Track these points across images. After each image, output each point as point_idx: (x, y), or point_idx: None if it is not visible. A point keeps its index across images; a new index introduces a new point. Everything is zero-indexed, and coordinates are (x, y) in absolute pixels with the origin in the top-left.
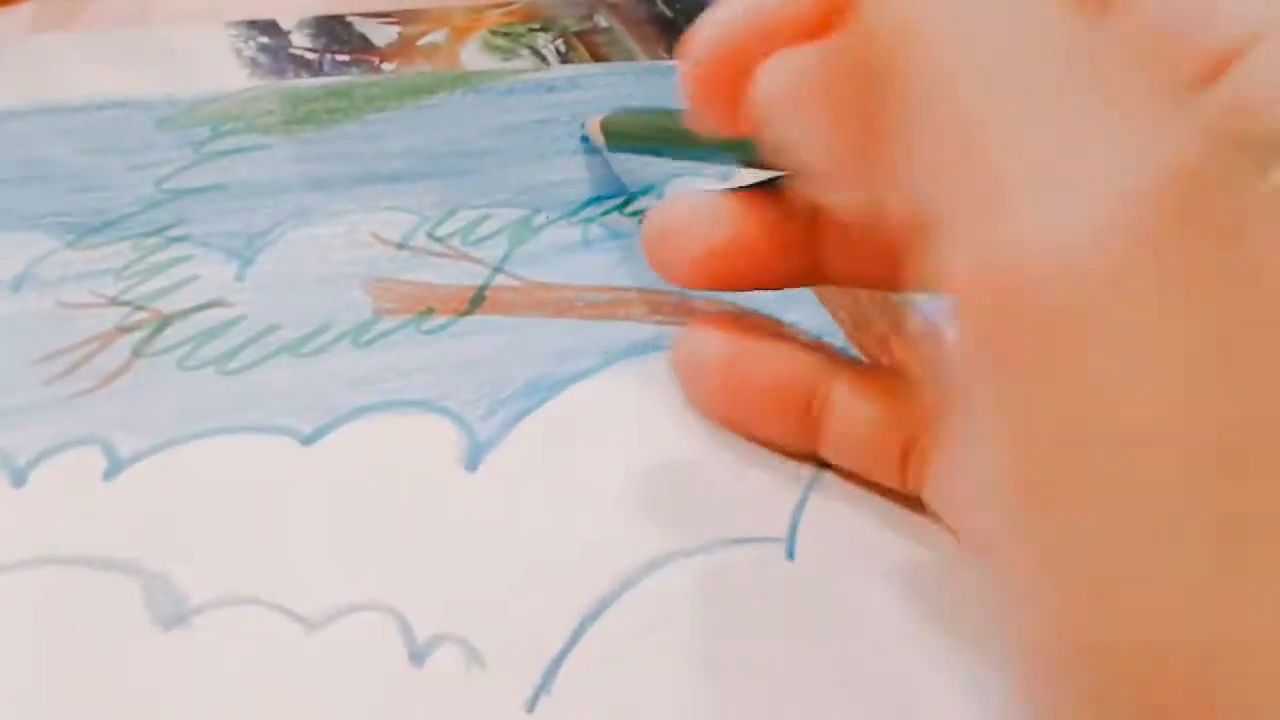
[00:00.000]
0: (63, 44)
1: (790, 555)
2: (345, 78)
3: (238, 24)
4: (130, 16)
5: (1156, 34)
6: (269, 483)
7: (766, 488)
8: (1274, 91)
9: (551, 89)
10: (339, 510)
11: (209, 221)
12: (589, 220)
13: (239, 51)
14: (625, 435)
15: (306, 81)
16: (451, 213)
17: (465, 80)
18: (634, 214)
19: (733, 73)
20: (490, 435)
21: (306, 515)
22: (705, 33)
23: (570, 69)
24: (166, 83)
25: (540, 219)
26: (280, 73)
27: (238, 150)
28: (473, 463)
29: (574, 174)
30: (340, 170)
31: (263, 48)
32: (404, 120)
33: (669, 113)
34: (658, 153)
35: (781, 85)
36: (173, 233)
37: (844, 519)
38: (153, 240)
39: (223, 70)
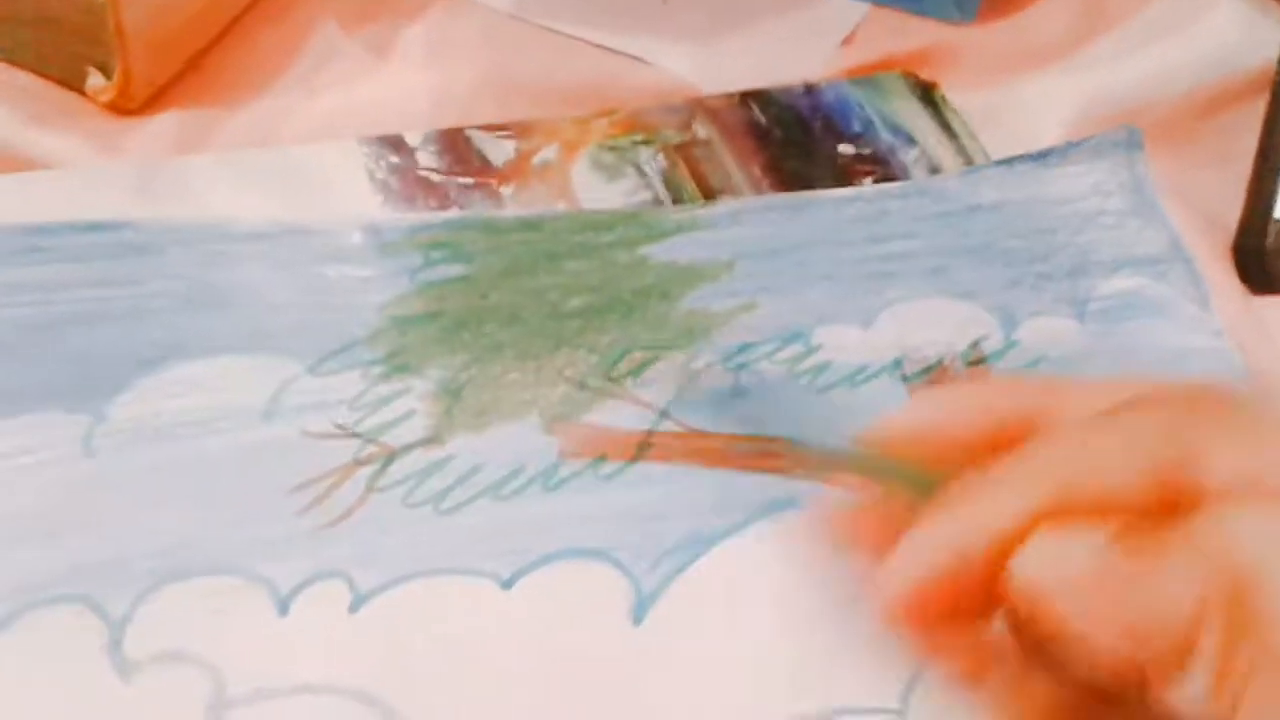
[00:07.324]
0: (209, 168)
1: None
2: (538, 211)
3: (369, 141)
4: (264, 131)
5: None
6: (477, 619)
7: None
8: None
9: (713, 225)
10: (529, 654)
11: (424, 352)
12: (742, 366)
13: (371, 174)
14: (758, 597)
15: (505, 214)
16: (626, 352)
17: (636, 217)
18: (783, 361)
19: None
20: (653, 588)
21: (503, 657)
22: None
23: (735, 203)
24: (308, 208)
25: (700, 363)
26: (410, 199)
27: (446, 281)
28: (638, 616)
29: (731, 315)
30: (531, 305)
31: (393, 169)
32: (587, 263)
33: None
34: None
35: (1057, 575)
36: (396, 361)
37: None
38: (379, 370)
39: (357, 194)
